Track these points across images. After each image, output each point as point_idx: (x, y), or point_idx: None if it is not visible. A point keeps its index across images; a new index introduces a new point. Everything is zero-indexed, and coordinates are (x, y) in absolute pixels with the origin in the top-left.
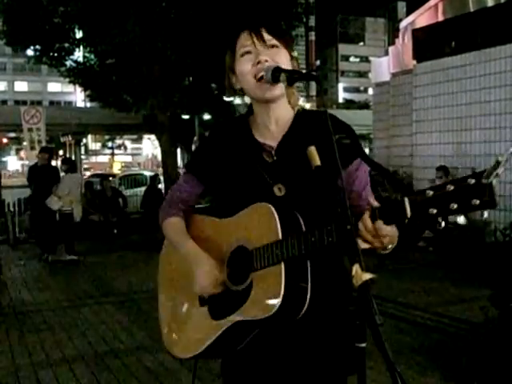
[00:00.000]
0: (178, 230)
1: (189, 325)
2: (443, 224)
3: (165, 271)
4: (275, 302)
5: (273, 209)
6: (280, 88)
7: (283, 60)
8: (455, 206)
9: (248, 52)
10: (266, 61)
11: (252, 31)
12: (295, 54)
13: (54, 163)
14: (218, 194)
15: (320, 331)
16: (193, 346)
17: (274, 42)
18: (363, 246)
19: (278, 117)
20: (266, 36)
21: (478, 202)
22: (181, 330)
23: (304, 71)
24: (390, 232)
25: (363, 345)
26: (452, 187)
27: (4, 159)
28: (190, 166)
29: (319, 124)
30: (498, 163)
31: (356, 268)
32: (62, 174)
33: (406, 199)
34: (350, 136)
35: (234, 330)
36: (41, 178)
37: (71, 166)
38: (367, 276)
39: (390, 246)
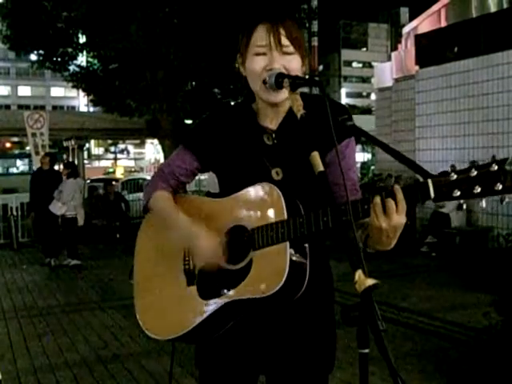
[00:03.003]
0: (168, 203)
1: (172, 304)
2: (464, 207)
3: (143, 248)
4: (279, 280)
5: (277, 189)
6: (285, 92)
7: (294, 67)
8: (479, 189)
9: (263, 53)
10: (279, 69)
11: (271, 33)
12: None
13: (56, 167)
14: (217, 175)
15: (306, 320)
16: (177, 326)
17: (291, 49)
18: (374, 223)
19: (280, 108)
20: (284, 41)
21: (500, 186)
22: (162, 309)
23: (307, 76)
24: (404, 212)
25: (366, 350)
26: (475, 172)
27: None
28: (188, 142)
29: (317, 105)
30: None
31: (359, 273)
32: (63, 177)
33: (430, 180)
34: (350, 118)
35: (225, 311)
36: (44, 182)
37: (73, 170)
38: (370, 282)
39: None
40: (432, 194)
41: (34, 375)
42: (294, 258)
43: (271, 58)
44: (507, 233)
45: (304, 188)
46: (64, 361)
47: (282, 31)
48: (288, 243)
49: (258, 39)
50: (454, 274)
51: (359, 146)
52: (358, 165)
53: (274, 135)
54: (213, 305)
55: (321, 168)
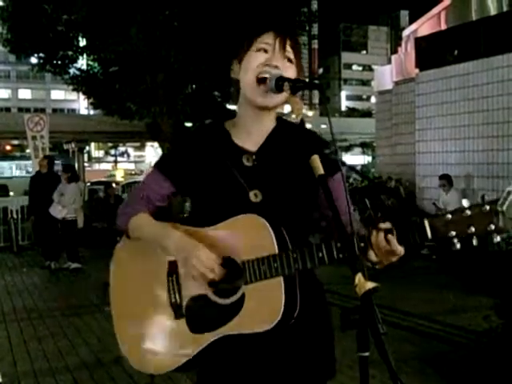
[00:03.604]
0: (152, 222)
1: (160, 339)
2: (458, 246)
3: (120, 279)
4: (275, 316)
5: (265, 221)
6: (281, 96)
7: (290, 76)
8: (473, 229)
9: (264, 50)
10: (276, 67)
11: (279, 35)
12: (302, 70)
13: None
14: (191, 198)
15: (299, 337)
16: (169, 361)
17: (291, 56)
18: (372, 258)
19: (263, 125)
20: (288, 47)
21: (493, 227)
22: (150, 344)
23: (307, 80)
24: (401, 252)
25: (366, 354)
26: (469, 212)
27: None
28: (161, 166)
29: (300, 135)
30: (509, 192)
31: (359, 277)
32: (63, 181)
33: (426, 221)
34: (335, 152)
35: (219, 344)
36: (43, 185)
37: (73, 174)
38: (370, 285)
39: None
40: (429, 235)
41: (34, 378)
42: (288, 292)
43: (272, 56)
44: (508, 236)
45: (284, 210)
46: (64, 364)
47: (288, 40)
48: (282, 278)
49: (264, 38)
50: (454, 277)
51: (359, 149)
52: (358, 167)
53: (254, 156)
54: (205, 339)
55: (321, 171)
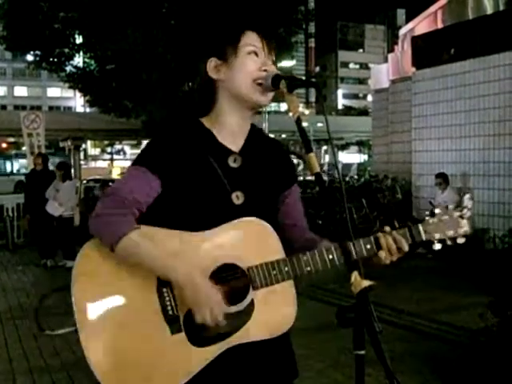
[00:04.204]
0: (150, 248)
1: (157, 359)
2: (438, 247)
3: (94, 292)
4: (291, 318)
5: (269, 225)
6: (271, 95)
7: None
8: (451, 232)
9: (255, 53)
10: (272, 71)
11: (264, 39)
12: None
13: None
14: (171, 200)
15: (269, 341)
16: (170, 380)
17: (274, 58)
18: (382, 256)
19: (246, 126)
20: (271, 51)
21: (462, 230)
22: (145, 367)
23: (303, 78)
24: (407, 249)
25: (362, 352)
26: (447, 217)
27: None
28: (150, 163)
29: (267, 140)
30: (464, 202)
31: (355, 275)
32: (57, 178)
33: (420, 225)
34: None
35: (226, 355)
36: (38, 183)
37: (66, 171)
38: (366, 283)
39: None
40: (423, 237)
41: (30, 376)
42: None
43: (263, 60)
44: (503, 234)
45: (264, 213)
46: (60, 362)
47: (270, 43)
48: (293, 281)
49: (251, 40)
50: (450, 276)
51: (355, 148)
52: (355, 166)
53: (240, 157)
54: (211, 352)
55: (317, 169)
